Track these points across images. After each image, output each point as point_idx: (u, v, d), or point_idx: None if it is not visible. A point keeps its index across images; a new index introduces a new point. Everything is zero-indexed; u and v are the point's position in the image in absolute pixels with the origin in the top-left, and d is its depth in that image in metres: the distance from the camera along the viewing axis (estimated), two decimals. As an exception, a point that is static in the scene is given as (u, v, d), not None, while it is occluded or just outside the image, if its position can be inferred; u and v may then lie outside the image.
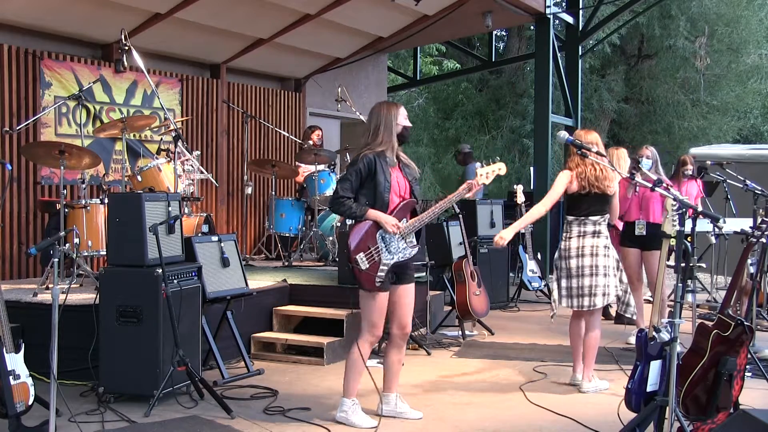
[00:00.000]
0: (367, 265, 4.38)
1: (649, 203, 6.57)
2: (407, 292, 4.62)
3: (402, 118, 4.55)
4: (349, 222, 7.77)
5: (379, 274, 4.39)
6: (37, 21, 7.69)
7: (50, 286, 5.62)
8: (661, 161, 6.92)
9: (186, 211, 6.86)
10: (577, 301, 5.25)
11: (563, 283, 5.31)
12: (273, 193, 8.67)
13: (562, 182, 5.26)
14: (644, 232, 6.61)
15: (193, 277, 5.25)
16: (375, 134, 4.51)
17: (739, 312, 5.27)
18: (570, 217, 5.31)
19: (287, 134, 10.26)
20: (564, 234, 5.35)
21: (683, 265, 4.18)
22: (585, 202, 5.24)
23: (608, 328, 7.41)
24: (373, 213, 4.41)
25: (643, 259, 6.71)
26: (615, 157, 6.78)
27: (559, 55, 12.03)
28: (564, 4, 13.18)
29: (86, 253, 6.21)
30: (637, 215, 6.63)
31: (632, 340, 6.82)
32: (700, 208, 4.80)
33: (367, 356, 4.59)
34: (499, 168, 4.64)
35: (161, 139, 7.39)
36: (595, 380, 5.41)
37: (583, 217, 5.25)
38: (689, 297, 5.38)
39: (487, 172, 4.59)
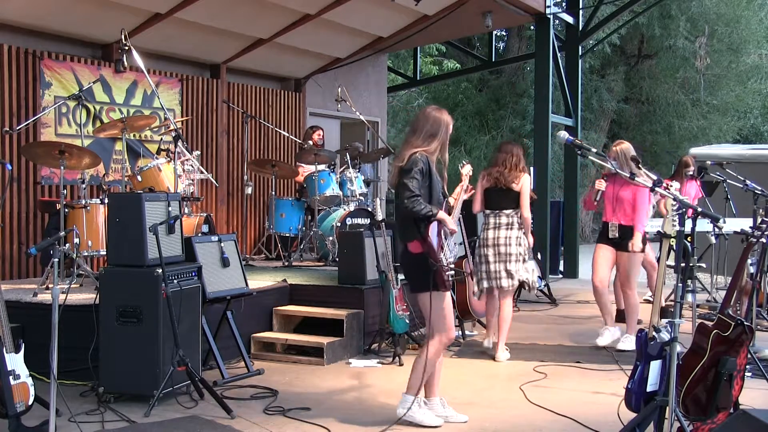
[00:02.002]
0: (445, 264, 4.42)
1: (620, 205, 6.46)
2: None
3: None
4: (349, 221, 7.84)
5: (448, 273, 4.45)
6: (37, 21, 7.69)
7: (50, 286, 5.62)
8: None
9: (186, 211, 6.86)
10: (487, 282, 6.33)
11: (483, 267, 6.34)
12: (273, 193, 8.67)
13: (479, 182, 6.36)
14: (617, 235, 6.49)
15: (193, 277, 5.25)
16: (429, 140, 4.49)
17: (739, 312, 5.27)
18: (487, 211, 6.34)
19: (287, 134, 10.26)
20: (483, 225, 6.39)
21: (683, 265, 4.18)
22: (495, 197, 6.27)
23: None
24: (442, 214, 4.43)
25: (617, 259, 6.62)
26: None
27: (559, 55, 12.03)
28: (564, 4, 13.17)
29: (86, 253, 6.21)
30: (611, 216, 6.53)
31: (599, 341, 6.63)
32: (699, 208, 4.79)
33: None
34: (467, 173, 5.23)
35: (161, 139, 7.39)
36: (507, 352, 6.32)
37: (497, 211, 6.27)
38: (689, 297, 5.38)
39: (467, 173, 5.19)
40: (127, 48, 6.34)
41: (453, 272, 4.55)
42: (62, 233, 4.83)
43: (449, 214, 4.65)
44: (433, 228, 4.40)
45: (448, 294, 4.51)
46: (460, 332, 7.16)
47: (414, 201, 4.32)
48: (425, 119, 4.55)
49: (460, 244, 7.51)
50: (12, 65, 7.45)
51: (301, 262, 8.45)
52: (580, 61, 12.73)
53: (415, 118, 4.64)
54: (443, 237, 4.47)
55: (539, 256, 9.51)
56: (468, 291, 7.03)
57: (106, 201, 5.62)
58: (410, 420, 4.51)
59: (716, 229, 7.59)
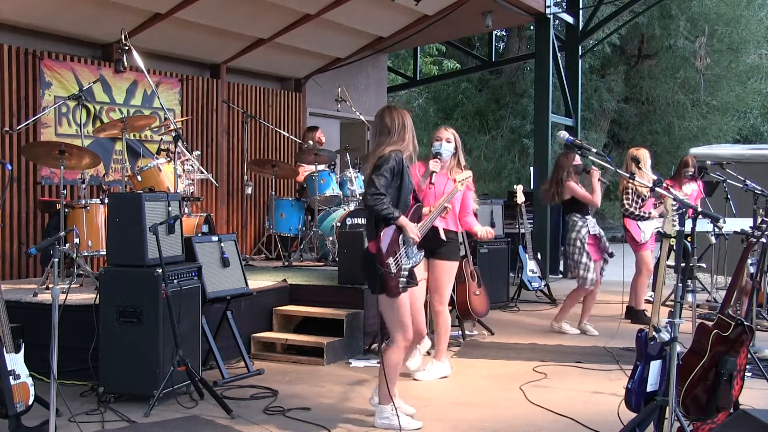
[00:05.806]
0: (395, 270, 4.34)
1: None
2: (420, 294, 4.61)
3: None
4: (349, 221, 7.83)
5: (401, 279, 4.37)
6: (37, 21, 7.69)
7: (50, 286, 5.61)
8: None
9: (186, 211, 6.86)
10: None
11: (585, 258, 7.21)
12: (273, 193, 8.67)
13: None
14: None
15: (193, 277, 5.25)
16: (401, 136, 4.40)
17: (739, 312, 5.27)
18: (579, 215, 7.21)
19: (287, 134, 10.27)
20: (582, 226, 7.20)
21: (683, 265, 4.18)
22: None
23: (609, 328, 7.41)
24: (403, 220, 4.33)
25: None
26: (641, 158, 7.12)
27: (559, 55, 12.03)
28: (564, 4, 13.18)
29: (86, 253, 6.20)
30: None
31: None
32: (699, 208, 4.79)
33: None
34: (468, 176, 5.27)
35: (161, 139, 7.38)
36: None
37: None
38: (689, 297, 5.38)
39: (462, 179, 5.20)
40: (127, 48, 6.34)
41: (406, 278, 4.41)
42: (62, 233, 4.82)
43: (418, 221, 4.53)
44: (389, 231, 4.31)
45: (405, 296, 4.41)
46: (460, 332, 7.16)
47: (376, 199, 4.25)
48: (390, 118, 4.43)
49: (460, 243, 7.50)
50: (12, 65, 7.45)
51: (301, 262, 8.45)
52: (580, 61, 12.73)
53: (379, 122, 4.48)
54: (401, 243, 4.36)
55: (539, 256, 9.51)
56: (468, 291, 7.02)
57: (106, 201, 5.62)
58: (389, 428, 4.45)
59: (716, 229, 7.59)
